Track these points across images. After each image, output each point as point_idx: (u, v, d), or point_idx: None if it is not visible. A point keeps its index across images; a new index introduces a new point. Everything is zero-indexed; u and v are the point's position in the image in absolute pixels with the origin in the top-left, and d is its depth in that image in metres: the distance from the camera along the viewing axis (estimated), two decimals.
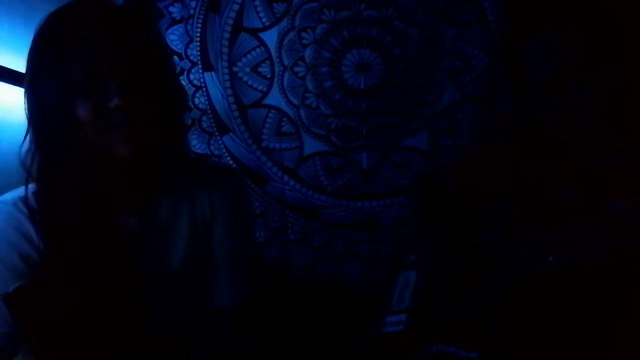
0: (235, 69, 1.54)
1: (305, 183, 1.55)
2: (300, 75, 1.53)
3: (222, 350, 0.96)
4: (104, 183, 0.83)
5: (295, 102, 1.54)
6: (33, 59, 0.80)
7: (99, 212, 0.82)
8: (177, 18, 1.54)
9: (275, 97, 1.54)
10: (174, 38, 1.54)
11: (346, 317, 1.49)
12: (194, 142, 1.57)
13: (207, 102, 1.56)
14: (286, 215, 1.56)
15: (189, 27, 1.54)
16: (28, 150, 0.81)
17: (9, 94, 1.23)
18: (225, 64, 1.54)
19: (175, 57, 1.54)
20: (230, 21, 1.53)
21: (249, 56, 1.54)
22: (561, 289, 0.84)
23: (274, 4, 1.51)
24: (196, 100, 1.56)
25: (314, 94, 1.53)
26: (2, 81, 1.20)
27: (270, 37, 1.52)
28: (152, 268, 0.88)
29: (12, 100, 1.23)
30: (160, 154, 0.87)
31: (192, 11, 1.53)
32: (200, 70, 1.55)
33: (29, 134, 0.81)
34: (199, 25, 1.53)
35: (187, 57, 1.54)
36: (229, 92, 1.55)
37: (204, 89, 1.55)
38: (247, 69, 1.54)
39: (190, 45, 1.54)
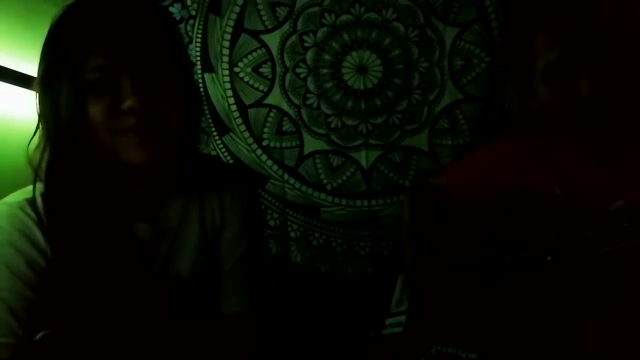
0: (236, 69, 1.55)
1: (305, 181, 1.55)
2: (302, 76, 1.54)
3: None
4: (114, 187, 0.81)
5: (296, 102, 1.54)
6: (47, 54, 0.78)
7: (108, 218, 0.80)
8: (177, 18, 1.54)
9: (276, 97, 1.55)
10: None
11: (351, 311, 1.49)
12: None
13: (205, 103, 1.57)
14: (286, 214, 1.56)
15: (188, 28, 1.54)
16: (36, 149, 0.79)
17: (9, 94, 1.22)
18: (225, 65, 1.55)
19: None
20: (232, 22, 1.53)
21: (250, 57, 1.55)
22: (561, 288, 0.85)
23: (276, 8, 1.52)
24: None
25: (315, 95, 1.53)
26: (2, 81, 1.19)
27: (273, 40, 1.54)
28: (162, 275, 0.86)
29: (12, 101, 1.23)
30: (173, 160, 0.84)
31: (193, 12, 1.54)
32: (200, 71, 1.55)
33: (37, 132, 0.79)
34: (200, 27, 1.54)
35: None
36: (229, 93, 1.56)
37: (202, 90, 1.56)
38: (249, 69, 1.55)
39: (190, 46, 1.54)
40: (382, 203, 1.54)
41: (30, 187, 0.81)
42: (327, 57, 1.52)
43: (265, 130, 1.56)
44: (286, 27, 1.52)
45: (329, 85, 1.53)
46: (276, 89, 1.55)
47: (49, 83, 0.76)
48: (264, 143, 1.56)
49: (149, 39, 0.78)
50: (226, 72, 1.55)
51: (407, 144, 1.52)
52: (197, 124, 0.91)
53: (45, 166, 0.78)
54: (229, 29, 1.54)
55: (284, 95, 1.55)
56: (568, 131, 0.98)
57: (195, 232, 0.90)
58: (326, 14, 1.51)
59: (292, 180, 1.56)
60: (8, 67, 1.19)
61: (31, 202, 0.80)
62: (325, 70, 1.53)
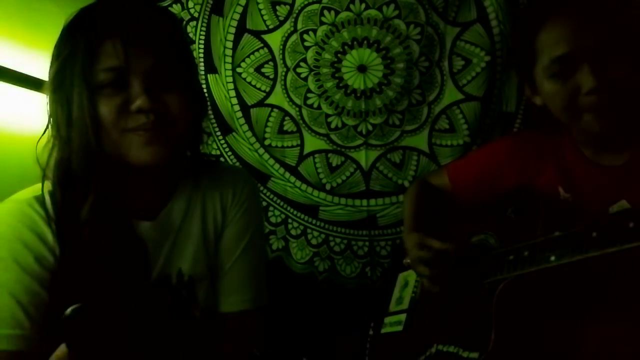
0: (239, 70, 1.57)
1: (305, 180, 1.56)
2: (302, 76, 1.54)
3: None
4: (120, 185, 0.83)
5: (298, 102, 1.55)
6: (59, 54, 0.79)
7: (112, 215, 0.82)
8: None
9: (278, 97, 1.56)
10: None
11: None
12: None
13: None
14: (287, 211, 1.57)
15: (189, 30, 1.56)
16: (45, 147, 0.80)
17: (9, 94, 1.22)
18: (228, 66, 1.56)
19: None
20: (234, 23, 1.55)
21: (252, 57, 1.56)
22: (560, 288, 0.86)
23: (277, 7, 1.53)
24: None
25: (316, 94, 1.54)
26: (3, 82, 1.19)
27: (274, 39, 1.55)
28: (165, 273, 0.88)
29: (12, 101, 1.23)
30: (179, 160, 0.87)
31: (194, 14, 1.55)
32: (203, 73, 1.56)
33: (46, 131, 0.80)
34: (204, 28, 1.56)
35: None
36: (232, 93, 1.57)
37: (206, 91, 1.57)
38: (251, 70, 1.56)
39: (191, 47, 1.53)
40: (381, 203, 1.54)
41: (39, 185, 0.82)
42: (327, 56, 1.53)
43: (267, 129, 1.58)
44: (287, 26, 1.53)
45: (329, 84, 1.54)
46: (278, 88, 1.56)
47: (61, 82, 0.78)
48: (266, 142, 1.58)
49: (159, 42, 0.80)
50: (229, 73, 1.57)
51: (407, 144, 1.52)
52: (201, 126, 0.93)
53: (54, 164, 0.80)
54: (232, 30, 1.55)
55: (285, 95, 1.56)
56: (572, 130, 0.98)
57: (198, 230, 0.92)
58: (326, 12, 1.51)
59: (292, 179, 1.57)
60: (8, 67, 1.18)
61: (39, 199, 0.81)
62: (325, 70, 1.53)
